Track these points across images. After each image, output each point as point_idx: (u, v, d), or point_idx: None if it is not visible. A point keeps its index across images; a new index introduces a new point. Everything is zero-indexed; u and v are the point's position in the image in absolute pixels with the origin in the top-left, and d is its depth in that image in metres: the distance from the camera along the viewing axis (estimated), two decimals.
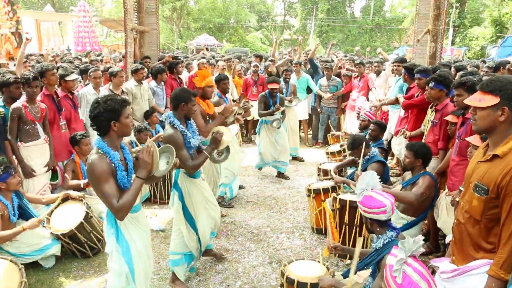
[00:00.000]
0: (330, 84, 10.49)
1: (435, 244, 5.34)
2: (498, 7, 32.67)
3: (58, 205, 5.34)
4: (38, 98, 5.81)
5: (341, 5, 45.74)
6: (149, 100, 8.36)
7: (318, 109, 10.81)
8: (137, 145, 6.46)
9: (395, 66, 8.34)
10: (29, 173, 5.55)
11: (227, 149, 4.84)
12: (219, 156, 5.08)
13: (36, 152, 5.67)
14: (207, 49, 20.73)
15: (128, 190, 3.24)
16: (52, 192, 5.90)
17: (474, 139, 3.96)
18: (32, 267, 4.98)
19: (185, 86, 9.55)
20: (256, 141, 8.32)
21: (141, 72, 8.18)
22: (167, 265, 5.07)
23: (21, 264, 4.32)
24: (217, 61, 12.07)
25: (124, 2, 9.16)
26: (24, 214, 4.95)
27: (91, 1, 46.81)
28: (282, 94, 9.14)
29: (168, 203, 6.90)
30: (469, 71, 6.93)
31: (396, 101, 7.44)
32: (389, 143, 8.14)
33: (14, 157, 5.50)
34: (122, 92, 7.70)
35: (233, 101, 9.19)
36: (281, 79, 9.49)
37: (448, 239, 3.71)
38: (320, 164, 7.42)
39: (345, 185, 5.83)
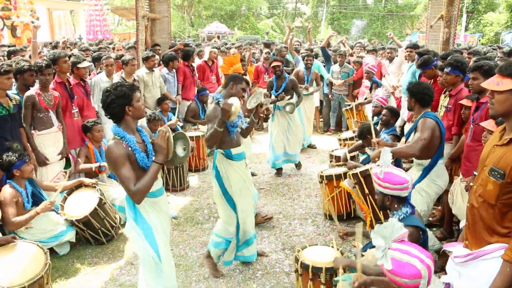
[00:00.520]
0: (342, 71, 10.42)
1: (449, 230, 5.31)
2: None
3: (71, 192, 5.39)
4: (51, 86, 5.84)
5: None
6: (160, 87, 8.38)
7: (330, 96, 10.75)
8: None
9: (408, 52, 8.25)
10: (42, 161, 5.58)
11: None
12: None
13: (49, 140, 5.70)
14: (218, 37, 20.69)
15: (145, 175, 3.30)
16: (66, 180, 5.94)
17: (489, 124, 3.91)
18: None
19: (196, 74, 9.56)
20: (268, 128, 8.14)
21: (152, 60, 8.18)
22: (180, 252, 5.11)
23: None
24: (228, 48, 12.02)
25: None
26: (38, 202, 4.99)
27: None
28: (304, 82, 9.01)
29: (180, 190, 6.97)
30: (484, 56, 6.84)
31: None
32: (402, 129, 8.08)
33: (28, 144, 5.54)
34: (134, 80, 7.72)
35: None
36: (304, 65, 9.37)
37: (462, 224, 3.68)
38: (333, 151, 7.39)
39: None
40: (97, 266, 4.89)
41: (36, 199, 5.01)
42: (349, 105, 9.27)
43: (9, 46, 10.56)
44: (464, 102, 4.95)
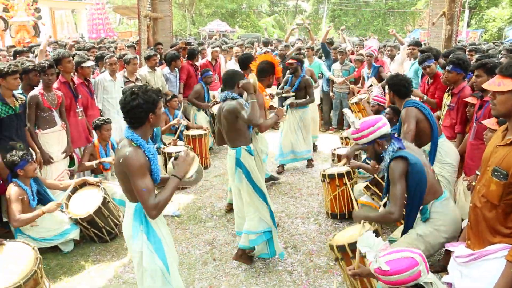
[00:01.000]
0: (343, 69, 10.40)
1: None
2: None
3: (75, 191, 5.44)
4: (55, 85, 5.88)
5: None
6: (162, 86, 8.40)
7: (331, 94, 10.75)
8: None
9: (410, 49, 8.26)
10: (47, 160, 5.64)
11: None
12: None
13: (53, 139, 5.77)
14: (219, 35, 20.71)
15: (165, 189, 3.12)
16: (69, 178, 5.98)
17: (490, 122, 3.93)
18: (52, 251, 5.09)
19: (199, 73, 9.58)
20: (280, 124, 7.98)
21: (154, 59, 8.24)
22: (182, 250, 5.15)
23: (42, 247, 4.61)
24: (230, 47, 12.02)
25: None
26: (43, 200, 5.06)
27: None
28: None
29: (182, 188, 6.99)
30: (486, 54, 6.85)
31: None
32: None
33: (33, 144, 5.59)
34: (137, 79, 7.76)
35: None
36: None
37: (464, 223, 3.69)
38: (335, 150, 7.41)
39: (360, 170, 5.83)
40: (101, 264, 4.93)
41: (41, 197, 5.07)
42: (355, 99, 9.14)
43: (11, 47, 10.62)
44: (470, 99, 4.95)
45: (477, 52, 8.00)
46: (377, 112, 6.98)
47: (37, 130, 5.64)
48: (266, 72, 5.36)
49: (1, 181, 5.08)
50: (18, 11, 17.95)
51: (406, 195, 3.60)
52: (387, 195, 3.76)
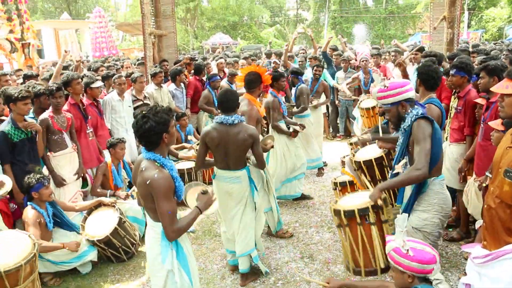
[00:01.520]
0: (347, 77, 10.43)
1: (465, 230, 5.35)
2: None
3: (91, 212, 5.49)
4: (65, 107, 5.96)
5: None
6: (169, 103, 8.43)
7: (336, 102, 10.79)
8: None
9: (413, 54, 8.31)
10: (59, 182, 5.67)
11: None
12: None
13: (65, 161, 5.81)
14: (223, 48, 20.84)
15: (187, 218, 3.23)
16: (83, 199, 6.03)
17: (496, 123, 3.98)
18: (70, 274, 5.13)
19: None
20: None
21: (160, 76, 8.33)
22: (200, 265, 5.18)
23: (61, 270, 4.72)
24: (235, 62, 12.08)
25: (141, 7, 9.32)
26: (60, 223, 5.12)
27: (106, 6, 47.29)
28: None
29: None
30: (490, 56, 6.89)
31: None
32: None
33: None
34: (145, 97, 7.82)
35: None
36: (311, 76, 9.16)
37: (478, 224, 3.72)
38: (344, 157, 7.43)
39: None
40: (120, 284, 4.96)
41: (58, 220, 5.11)
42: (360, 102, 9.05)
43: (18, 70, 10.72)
44: (479, 101, 4.99)
45: (479, 54, 8.05)
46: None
47: (48, 153, 5.69)
48: (254, 82, 5.41)
49: (16, 206, 5.14)
50: (27, 32, 18.03)
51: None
52: (404, 157, 3.73)
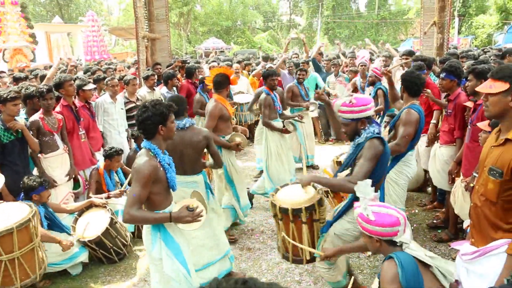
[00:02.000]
0: (338, 80, 10.52)
1: (454, 231, 5.40)
2: None
3: (82, 213, 5.49)
4: (58, 109, 5.97)
5: (346, 1, 45.77)
6: None
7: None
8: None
9: (403, 59, 8.39)
10: (50, 183, 5.62)
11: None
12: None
13: (56, 162, 5.81)
14: (216, 52, 20.92)
15: (151, 214, 3.36)
16: (75, 200, 6.04)
17: (483, 124, 4.09)
18: (60, 275, 5.12)
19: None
20: (257, 156, 7.66)
21: (152, 79, 8.34)
22: None
23: (51, 271, 4.73)
24: (228, 65, 12.13)
25: (135, 11, 9.34)
26: (51, 224, 5.11)
27: (99, 10, 47.25)
28: (299, 98, 8.64)
29: None
30: (480, 60, 7.00)
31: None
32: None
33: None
34: (137, 99, 7.84)
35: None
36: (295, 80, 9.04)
37: (466, 224, 3.82)
38: (337, 158, 7.46)
39: None
40: (110, 285, 4.96)
41: (48, 221, 5.10)
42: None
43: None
44: (468, 104, 5.09)
45: (468, 59, 8.18)
46: (372, 83, 7.15)
47: (39, 155, 5.68)
48: (222, 84, 5.56)
49: None
50: (10, 35, 18.10)
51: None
52: (349, 168, 3.90)
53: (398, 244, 2.87)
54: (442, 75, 5.54)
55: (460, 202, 4.79)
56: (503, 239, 2.88)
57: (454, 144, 5.43)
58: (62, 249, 4.78)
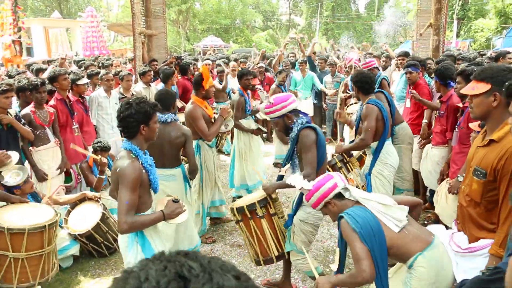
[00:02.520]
0: (334, 81, 10.50)
1: None
2: None
3: (75, 206, 5.49)
4: (52, 102, 5.97)
5: (346, 2, 45.77)
6: None
7: (324, 105, 10.86)
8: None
9: (399, 60, 8.42)
10: (41, 177, 5.64)
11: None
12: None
13: (47, 156, 5.80)
14: (214, 50, 20.91)
15: (146, 217, 3.23)
16: (66, 193, 6.03)
17: (474, 125, 4.12)
18: None
19: None
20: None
21: (149, 74, 8.37)
22: None
23: None
24: (225, 63, 12.14)
25: (132, 6, 9.35)
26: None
27: (98, 6, 47.17)
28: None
29: None
30: (474, 62, 7.04)
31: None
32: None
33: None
34: (132, 95, 7.85)
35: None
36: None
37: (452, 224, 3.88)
38: (333, 156, 7.50)
39: None
40: (100, 278, 4.98)
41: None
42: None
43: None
44: (461, 105, 5.13)
45: (464, 61, 8.21)
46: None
47: (30, 148, 5.66)
48: (198, 84, 5.59)
49: None
50: (5, 30, 18.02)
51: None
52: (289, 162, 4.18)
53: (352, 199, 3.03)
54: (435, 77, 5.61)
55: (442, 203, 4.79)
56: (489, 240, 2.91)
57: (446, 145, 5.46)
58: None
